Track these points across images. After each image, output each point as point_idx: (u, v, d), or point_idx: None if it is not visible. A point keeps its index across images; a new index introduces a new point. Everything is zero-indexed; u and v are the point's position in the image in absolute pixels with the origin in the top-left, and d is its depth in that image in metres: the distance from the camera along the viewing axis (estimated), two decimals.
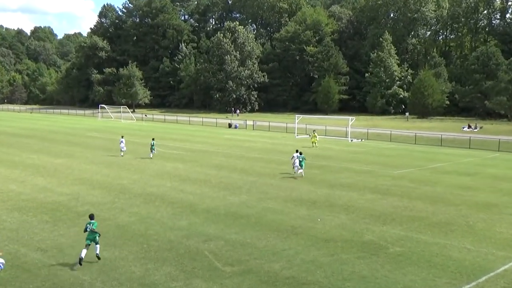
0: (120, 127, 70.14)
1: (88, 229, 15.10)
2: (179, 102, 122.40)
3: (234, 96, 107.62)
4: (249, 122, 73.59)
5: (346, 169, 33.29)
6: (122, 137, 40.30)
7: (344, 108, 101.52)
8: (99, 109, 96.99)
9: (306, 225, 19.40)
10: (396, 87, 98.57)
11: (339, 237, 17.92)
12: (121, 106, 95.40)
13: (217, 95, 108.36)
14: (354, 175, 31.08)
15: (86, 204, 22.33)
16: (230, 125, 72.89)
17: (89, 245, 15.07)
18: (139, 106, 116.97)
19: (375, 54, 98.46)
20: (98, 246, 15.21)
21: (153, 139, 38.85)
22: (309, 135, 55.84)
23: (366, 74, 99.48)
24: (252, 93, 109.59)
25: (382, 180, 29.24)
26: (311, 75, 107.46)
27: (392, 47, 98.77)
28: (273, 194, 25.11)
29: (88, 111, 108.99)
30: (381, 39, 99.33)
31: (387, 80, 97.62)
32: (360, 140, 54.48)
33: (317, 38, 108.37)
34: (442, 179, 30.19)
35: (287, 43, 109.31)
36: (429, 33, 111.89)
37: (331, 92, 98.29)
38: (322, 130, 58.16)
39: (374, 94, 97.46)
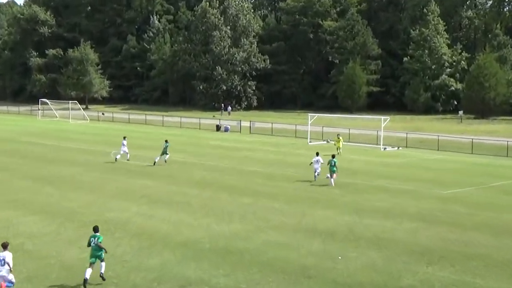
0: (69, 130, 69.99)
1: (93, 243, 16.93)
2: (149, 95, 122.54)
3: (224, 87, 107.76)
4: (245, 123, 73.63)
5: (377, 188, 33.29)
6: (124, 138, 43.34)
7: (375, 104, 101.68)
8: (39, 105, 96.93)
9: (322, 265, 19.35)
10: (446, 76, 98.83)
11: (367, 281, 17.86)
12: (70, 101, 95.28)
13: (201, 86, 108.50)
14: (388, 196, 31.07)
15: (20, 235, 22.22)
16: (218, 127, 72.92)
17: (94, 263, 16.74)
18: (94, 101, 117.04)
19: (417, 31, 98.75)
20: (103, 264, 16.85)
21: (166, 141, 41.50)
22: (327, 141, 55.93)
23: (405, 59, 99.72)
24: (249, 83, 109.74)
25: (426, 204, 29.22)
26: (330, 59, 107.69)
27: (440, 21, 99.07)
28: (277, 221, 25.06)
29: (24, 108, 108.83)
30: (425, 10, 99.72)
31: (433, 67, 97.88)
32: (396, 148, 54.54)
33: (338, 9, 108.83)
34: (509, 202, 30.18)
35: (297, 16, 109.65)
36: (490, 2, 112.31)
37: (356, 83, 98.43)
38: (346, 134, 58.21)
39: (416, 85, 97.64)
